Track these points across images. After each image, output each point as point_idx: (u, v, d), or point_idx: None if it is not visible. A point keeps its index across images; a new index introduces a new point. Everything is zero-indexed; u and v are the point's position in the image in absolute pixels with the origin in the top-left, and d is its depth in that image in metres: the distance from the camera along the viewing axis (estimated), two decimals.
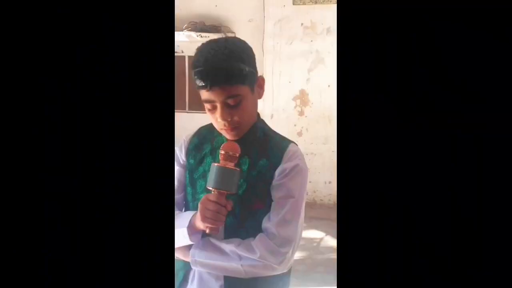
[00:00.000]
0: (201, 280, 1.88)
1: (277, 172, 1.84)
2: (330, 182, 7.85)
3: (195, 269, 1.88)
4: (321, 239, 6.31)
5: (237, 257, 1.78)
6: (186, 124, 8.74)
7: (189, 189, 1.98)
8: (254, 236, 1.82)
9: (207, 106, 1.80)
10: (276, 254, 1.77)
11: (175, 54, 8.61)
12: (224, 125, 1.80)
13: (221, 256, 1.80)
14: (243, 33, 8.14)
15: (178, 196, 2.02)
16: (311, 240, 6.09)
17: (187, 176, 1.99)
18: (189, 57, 8.65)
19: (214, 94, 1.73)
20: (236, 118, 1.79)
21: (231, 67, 1.71)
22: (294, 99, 7.96)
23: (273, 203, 1.84)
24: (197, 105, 8.78)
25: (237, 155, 1.75)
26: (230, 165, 1.72)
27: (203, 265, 1.83)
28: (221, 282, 1.85)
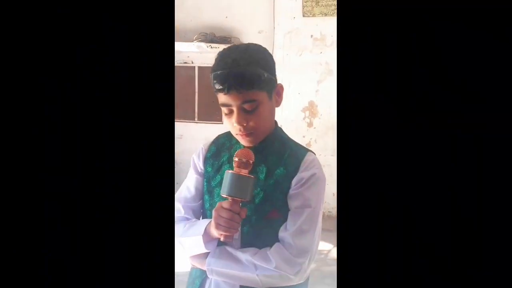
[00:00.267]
0: None
1: (294, 181, 1.82)
2: None
3: (212, 280, 1.86)
4: (329, 251, 6.30)
5: (253, 266, 1.76)
6: (195, 134, 8.78)
7: (206, 197, 1.96)
8: (271, 245, 1.80)
9: (223, 110, 1.80)
10: (292, 264, 1.75)
11: (185, 64, 8.66)
12: (240, 130, 1.79)
13: (237, 265, 1.78)
14: None
15: (195, 204, 2.00)
16: (319, 252, 6.05)
17: (205, 184, 1.98)
18: (199, 67, 8.70)
19: (231, 98, 1.73)
20: (251, 123, 1.78)
21: (249, 72, 1.71)
22: (303, 110, 7.97)
23: (290, 212, 1.82)
24: (206, 115, 8.83)
25: (251, 162, 1.73)
26: (244, 172, 1.71)
27: (219, 274, 1.81)
28: None
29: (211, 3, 8.47)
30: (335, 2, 7.56)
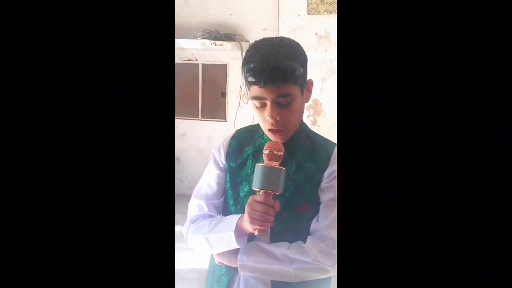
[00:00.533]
0: (247, 285, 1.85)
1: (326, 174, 1.83)
2: None
3: (240, 275, 1.85)
4: None
5: (288, 260, 1.76)
6: (199, 131, 8.78)
7: (230, 192, 1.95)
8: (300, 239, 1.81)
9: (255, 103, 1.78)
10: (329, 256, 1.75)
11: (189, 62, 8.67)
12: (272, 124, 1.77)
13: (271, 260, 1.78)
14: None
15: (218, 201, 1.99)
16: None
17: (228, 179, 1.97)
18: (203, 65, 8.71)
19: (266, 91, 1.71)
20: (284, 118, 1.77)
21: (287, 65, 1.70)
22: (307, 108, 7.93)
23: (321, 205, 1.82)
24: (209, 113, 8.84)
25: (282, 154, 1.72)
26: (275, 164, 1.70)
27: (251, 269, 1.81)
28: (269, 287, 1.83)
29: (215, 0, 8.47)
30: None
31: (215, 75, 8.81)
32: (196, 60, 8.76)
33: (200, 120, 8.91)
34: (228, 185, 1.96)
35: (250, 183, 1.81)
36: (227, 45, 8.18)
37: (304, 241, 1.79)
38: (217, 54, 8.60)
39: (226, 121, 8.80)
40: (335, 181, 1.79)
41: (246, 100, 8.46)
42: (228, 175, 1.97)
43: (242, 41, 8.24)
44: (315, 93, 7.72)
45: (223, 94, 8.82)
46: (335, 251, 1.74)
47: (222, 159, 2.00)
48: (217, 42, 8.13)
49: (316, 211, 1.82)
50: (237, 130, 2.07)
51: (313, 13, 7.78)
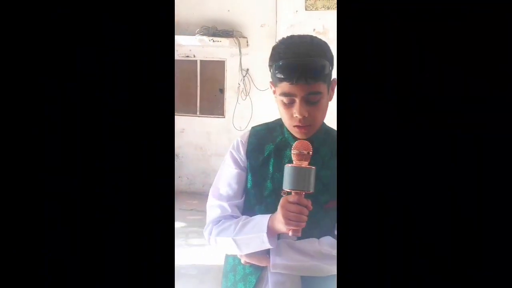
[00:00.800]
0: (276, 283, 1.85)
1: None
2: None
3: (269, 274, 1.85)
4: None
5: (320, 256, 1.78)
6: (197, 128, 8.77)
7: (252, 191, 1.93)
8: (327, 234, 1.83)
9: (283, 100, 1.77)
10: None
11: (187, 58, 8.67)
12: (300, 121, 1.77)
13: (303, 257, 1.79)
14: (255, 38, 8.19)
15: (239, 201, 1.96)
16: None
17: (250, 178, 1.94)
18: (201, 61, 8.71)
19: (297, 88, 1.71)
20: (312, 115, 1.77)
21: (318, 63, 1.71)
22: None
23: None
24: (208, 109, 8.84)
25: (310, 153, 1.72)
26: (305, 164, 1.70)
27: (284, 267, 1.81)
28: (299, 284, 1.84)
29: None
30: None
31: (213, 72, 8.82)
32: (194, 56, 8.76)
33: (198, 116, 8.92)
34: (250, 185, 1.94)
35: (273, 181, 1.83)
36: (225, 41, 8.17)
37: (333, 236, 1.81)
38: (215, 50, 8.59)
39: (224, 117, 8.81)
40: None
41: (244, 97, 8.49)
42: (250, 174, 1.95)
43: (240, 37, 8.24)
44: None
45: (221, 91, 8.83)
46: None
47: (242, 158, 1.97)
48: (215, 38, 8.13)
49: None
50: (253, 128, 2.04)
51: (311, 9, 7.78)
